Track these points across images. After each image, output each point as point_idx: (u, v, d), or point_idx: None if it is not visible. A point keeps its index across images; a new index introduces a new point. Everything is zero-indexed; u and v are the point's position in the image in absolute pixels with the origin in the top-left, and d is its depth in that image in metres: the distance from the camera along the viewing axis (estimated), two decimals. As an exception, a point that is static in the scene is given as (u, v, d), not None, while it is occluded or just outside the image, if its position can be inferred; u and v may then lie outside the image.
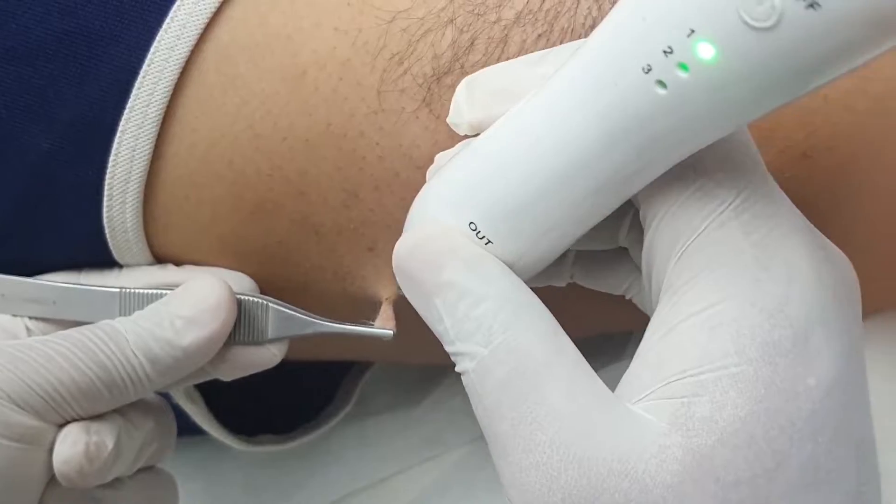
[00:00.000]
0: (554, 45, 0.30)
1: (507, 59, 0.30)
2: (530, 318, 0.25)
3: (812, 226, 0.26)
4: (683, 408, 0.23)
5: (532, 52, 0.30)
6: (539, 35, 0.30)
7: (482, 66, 0.30)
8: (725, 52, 0.21)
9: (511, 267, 0.27)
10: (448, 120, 0.29)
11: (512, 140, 0.26)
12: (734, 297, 0.24)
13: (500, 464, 0.25)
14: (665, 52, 0.22)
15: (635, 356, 0.26)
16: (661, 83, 0.23)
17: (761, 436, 0.23)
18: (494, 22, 0.30)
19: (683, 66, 0.22)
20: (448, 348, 0.26)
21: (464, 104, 0.28)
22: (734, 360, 0.23)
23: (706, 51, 0.21)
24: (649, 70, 0.23)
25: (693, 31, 0.21)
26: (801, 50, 0.20)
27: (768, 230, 0.25)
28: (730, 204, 0.25)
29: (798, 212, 0.26)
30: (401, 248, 0.27)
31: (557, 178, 0.25)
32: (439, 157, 0.30)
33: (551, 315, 0.26)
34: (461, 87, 0.29)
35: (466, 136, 0.29)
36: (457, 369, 0.26)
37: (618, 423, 0.24)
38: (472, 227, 0.27)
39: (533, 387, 0.24)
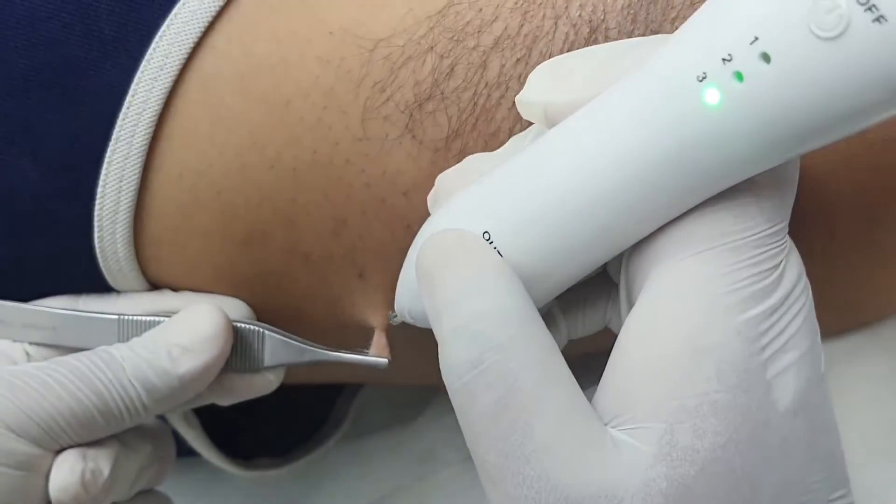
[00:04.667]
0: (532, 67, 0.30)
1: (487, 84, 0.31)
2: (527, 342, 0.25)
3: (797, 252, 0.26)
4: (667, 435, 0.23)
5: (511, 75, 0.30)
6: (518, 59, 0.30)
7: (462, 91, 0.31)
8: (784, 60, 0.21)
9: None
10: (518, 98, 0.27)
11: (556, 152, 0.25)
12: (722, 321, 0.24)
13: (489, 489, 0.25)
14: (724, 59, 0.22)
15: (615, 359, 0.25)
16: (713, 92, 0.22)
17: (739, 464, 0.23)
18: (473, 48, 0.31)
19: (739, 76, 0.22)
20: (440, 353, 0.26)
21: (542, 85, 0.27)
22: (715, 386, 0.24)
23: (763, 59, 0.21)
24: (703, 78, 0.22)
25: (757, 38, 0.21)
26: (863, 66, 0.20)
27: (775, 266, 0.25)
28: (760, 232, 0.25)
29: (793, 243, 0.26)
30: (423, 244, 0.27)
31: (593, 201, 0.24)
32: (442, 177, 0.30)
33: (551, 338, 0.25)
34: (542, 69, 0.28)
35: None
36: (444, 380, 0.26)
37: (605, 455, 0.24)
38: (486, 236, 0.26)
39: (521, 419, 0.24)
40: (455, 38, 0.31)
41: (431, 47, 0.31)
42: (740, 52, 0.21)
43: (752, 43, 0.21)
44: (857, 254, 0.34)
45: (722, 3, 0.22)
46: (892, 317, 0.39)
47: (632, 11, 0.30)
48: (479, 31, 0.31)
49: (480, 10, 0.31)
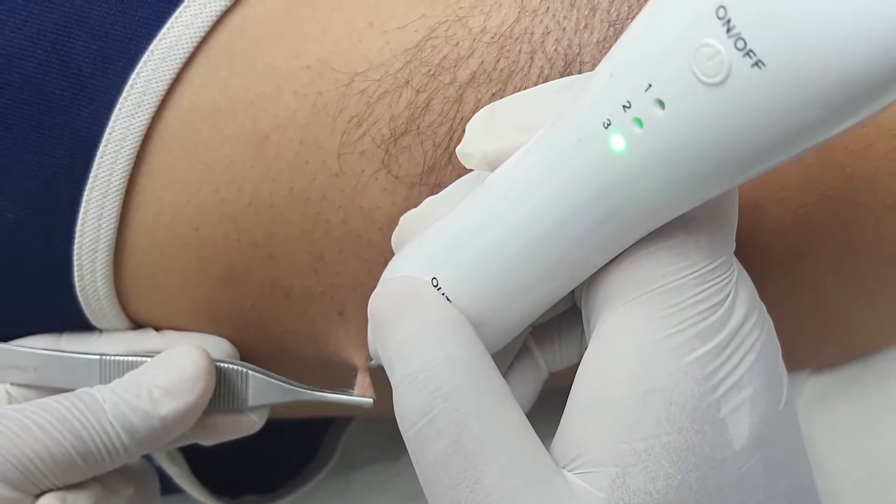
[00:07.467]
0: None
1: (463, 118, 0.30)
2: (476, 388, 0.24)
3: (752, 285, 0.26)
4: (619, 479, 0.23)
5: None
6: (493, 94, 0.30)
7: (438, 126, 0.31)
8: (676, 106, 0.21)
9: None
10: (458, 150, 0.28)
11: (490, 200, 0.26)
12: (669, 362, 0.24)
13: None
14: (624, 106, 0.22)
15: (571, 403, 0.25)
16: (618, 138, 0.22)
17: None
18: (450, 83, 0.30)
19: (639, 122, 0.22)
20: (394, 400, 0.26)
21: (479, 134, 0.27)
22: (666, 428, 0.23)
23: (659, 105, 0.21)
24: (608, 125, 0.22)
25: (650, 85, 0.21)
26: (748, 110, 0.20)
27: (720, 302, 0.24)
28: (700, 270, 0.24)
29: (746, 276, 0.26)
30: (374, 293, 0.27)
31: (527, 247, 0.25)
32: (404, 219, 0.30)
33: (503, 382, 0.25)
34: (480, 117, 0.28)
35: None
36: (400, 428, 0.25)
37: (558, 500, 0.23)
38: (434, 282, 0.26)
39: (471, 466, 0.24)
40: (431, 72, 0.31)
41: (407, 81, 0.31)
42: (638, 99, 0.22)
43: (646, 90, 0.21)
44: (846, 288, 0.34)
45: (621, 50, 0.23)
46: (884, 350, 0.39)
47: (607, 45, 0.30)
48: (455, 66, 0.30)
49: (457, 44, 0.31)
